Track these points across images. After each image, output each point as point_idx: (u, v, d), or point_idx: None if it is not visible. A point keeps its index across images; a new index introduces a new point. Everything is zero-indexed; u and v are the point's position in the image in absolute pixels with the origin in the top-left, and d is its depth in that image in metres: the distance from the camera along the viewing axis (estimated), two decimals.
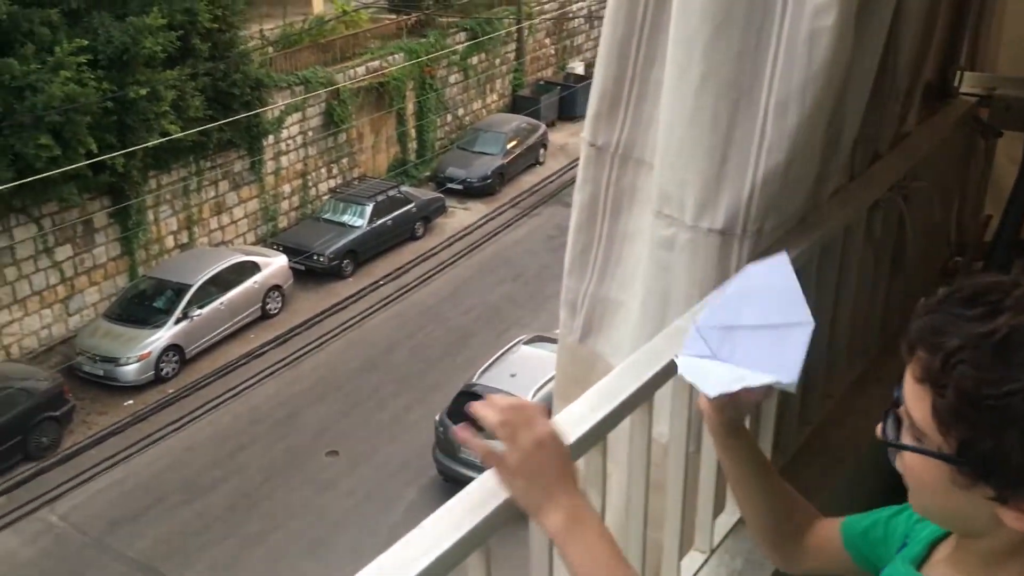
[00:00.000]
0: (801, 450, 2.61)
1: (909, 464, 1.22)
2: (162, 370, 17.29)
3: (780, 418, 2.44)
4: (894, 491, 1.40)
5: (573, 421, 1.63)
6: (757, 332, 1.51)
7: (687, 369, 1.60)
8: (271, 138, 21.31)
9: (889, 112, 2.72)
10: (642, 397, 1.78)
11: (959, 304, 1.15)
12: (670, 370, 1.84)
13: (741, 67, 2.07)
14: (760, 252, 2.19)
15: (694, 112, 2.14)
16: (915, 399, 1.18)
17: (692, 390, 1.99)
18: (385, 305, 20.01)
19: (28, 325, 17.47)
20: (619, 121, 2.51)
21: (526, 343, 16.21)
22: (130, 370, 16.93)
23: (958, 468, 1.13)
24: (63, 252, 17.74)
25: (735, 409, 1.64)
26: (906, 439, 1.21)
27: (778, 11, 2.04)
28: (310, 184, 22.70)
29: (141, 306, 17.94)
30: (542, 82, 29.90)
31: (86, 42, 16.06)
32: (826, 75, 2.04)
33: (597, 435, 1.67)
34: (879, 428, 1.26)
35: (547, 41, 30.70)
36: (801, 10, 2.01)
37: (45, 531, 14.23)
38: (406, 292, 20.51)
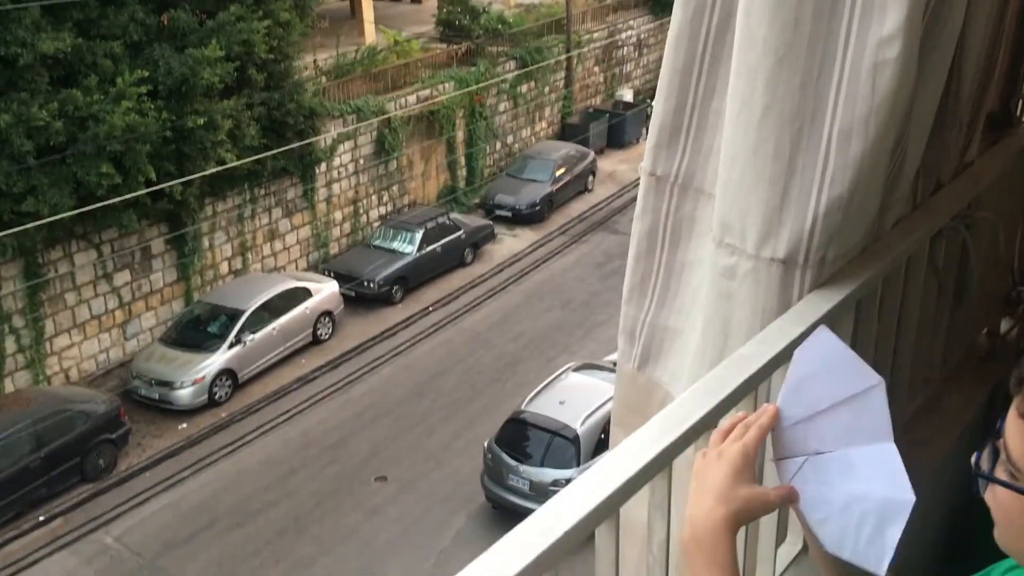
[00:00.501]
0: None
1: (1000, 499, 1.18)
2: (215, 394, 17.55)
3: None
4: (959, 525, 1.39)
5: (640, 447, 1.66)
6: (834, 412, 1.48)
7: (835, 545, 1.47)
8: (323, 166, 21.65)
9: (951, 142, 2.71)
10: (708, 424, 1.79)
11: None
12: (735, 398, 1.86)
13: (804, 98, 2.09)
14: (822, 282, 2.20)
15: (757, 143, 2.16)
16: (1017, 434, 1.14)
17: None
18: (434, 331, 20.12)
19: (87, 349, 17.88)
20: (679, 151, 2.54)
21: (575, 370, 16.16)
22: (184, 394, 17.21)
23: None
24: (121, 278, 18.16)
25: None
26: (1000, 473, 1.18)
27: (841, 43, 2.06)
28: (361, 211, 22.99)
29: (196, 331, 18.26)
30: (591, 109, 30.02)
31: (147, 73, 16.50)
32: (889, 106, 2.05)
33: (664, 461, 1.68)
34: (974, 457, 1.23)
35: (596, 69, 30.84)
36: (864, 42, 2.03)
37: (101, 552, 14.46)
38: (455, 318, 20.61)
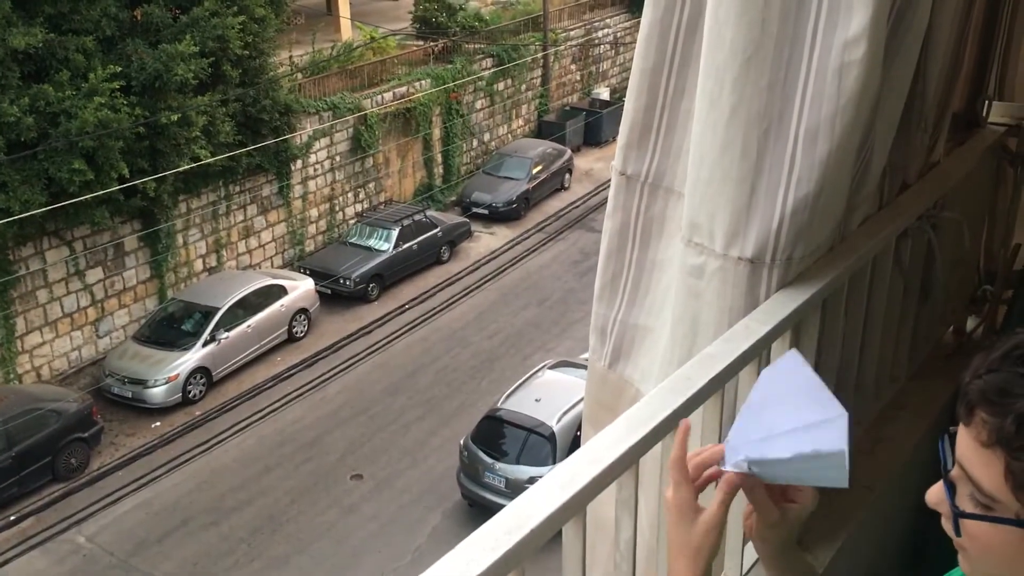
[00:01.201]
0: None
1: (974, 533, 1.14)
2: (189, 392, 17.44)
3: None
4: (925, 521, 1.40)
5: (607, 445, 1.67)
6: (793, 436, 1.41)
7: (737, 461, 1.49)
8: (299, 163, 21.56)
9: (917, 142, 2.74)
10: (673, 422, 1.80)
11: (1022, 362, 1.08)
12: (701, 396, 1.87)
13: (771, 98, 2.11)
14: (789, 281, 2.22)
15: (724, 143, 2.17)
16: (981, 464, 1.10)
17: (723, 418, 2.02)
18: (410, 329, 20.10)
19: (59, 347, 17.70)
20: (649, 150, 2.55)
21: (551, 368, 16.19)
22: (158, 392, 17.09)
23: None
24: (94, 275, 17.99)
25: (787, 525, 1.52)
26: (966, 506, 1.14)
27: (807, 44, 2.08)
28: (337, 208, 22.91)
29: (170, 329, 18.14)
30: (568, 107, 30.07)
31: (120, 69, 16.36)
32: (855, 106, 2.08)
33: (630, 459, 1.69)
34: (931, 497, 1.19)
35: (573, 67, 30.89)
36: (830, 43, 2.05)
37: (73, 552, 14.34)
38: (431, 316, 20.60)
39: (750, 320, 2.10)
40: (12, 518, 14.72)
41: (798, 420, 1.42)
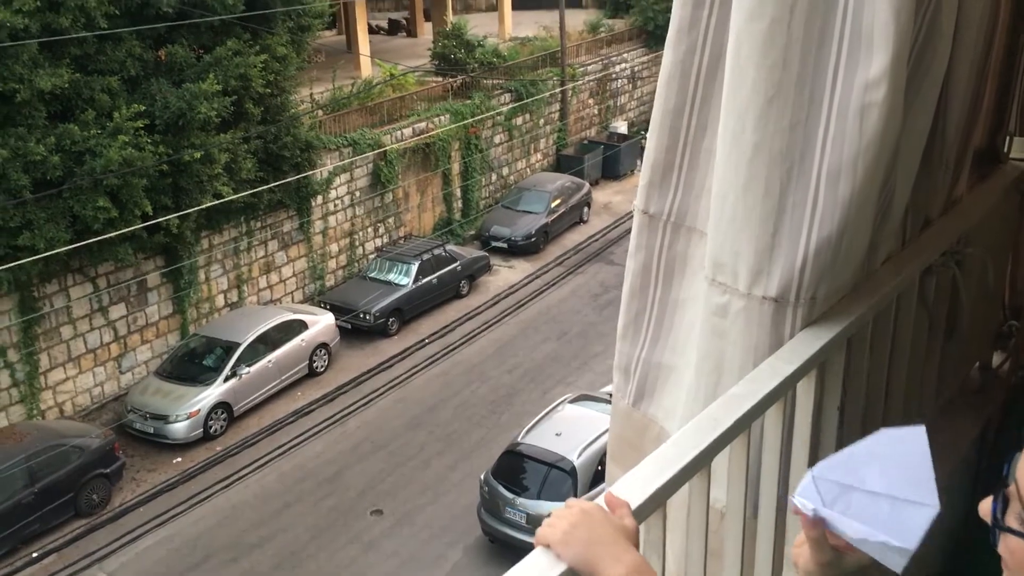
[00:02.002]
0: None
1: (1014, 548, 1.16)
2: (211, 428, 17.48)
3: None
4: (953, 561, 1.39)
5: (635, 487, 1.67)
6: (877, 499, 1.40)
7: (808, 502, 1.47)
8: (320, 198, 21.73)
9: (939, 179, 2.75)
10: (701, 463, 1.80)
11: None
12: (728, 437, 1.87)
13: (793, 139, 2.12)
14: (814, 319, 2.22)
15: (747, 182, 2.19)
16: None
17: (750, 458, 2.02)
18: (430, 363, 20.10)
19: (81, 383, 17.82)
20: (671, 189, 2.57)
21: (571, 402, 16.13)
22: (179, 428, 17.14)
23: None
24: (117, 311, 18.15)
25: (837, 570, 1.48)
26: (1011, 521, 1.15)
27: (828, 85, 2.10)
28: (357, 243, 23.04)
29: (191, 364, 18.23)
30: (586, 141, 30.21)
31: (144, 108, 16.60)
32: (877, 146, 2.09)
33: (658, 501, 1.69)
34: (983, 507, 1.20)
35: (590, 101, 31.08)
36: (851, 84, 2.07)
37: None
38: (451, 350, 20.59)
39: (775, 359, 2.11)
40: (35, 555, 14.74)
41: (891, 488, 1.39)
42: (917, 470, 1.42)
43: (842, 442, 2.42)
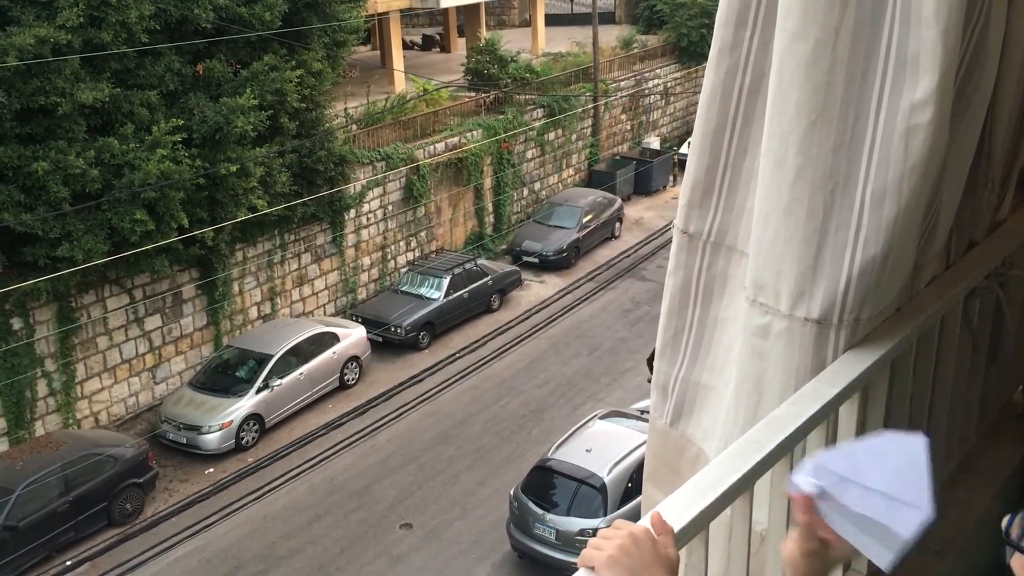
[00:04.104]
0: None
1: (1018, 566, 1.21)
2: (242, 439, 17.60)
3: None
4: None
5: (677, 510, 1.66)
6: (872, 496, 1.45)
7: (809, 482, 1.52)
8: (352, 212, 21.89)
9: (984, 200, 2.72)
10: (744, 486, 1.79)
11: None
12: (770, 460, 1.86)
13: (837, 161, 2.11)
14: (857, 342, 2.20)
15: (790, 203, 2.18)
16: None
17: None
18: (461, 378, 20.11)
19: (116, 393, 18.02)
20: (711, 209, 2.56)
21: (601, 418, 16.07)
22: (212, 439, 17.27)
23: None
24: (152, 322, 18.36)
25: (820, 561, 1.54)
26: None
27: (873, 107, 2.08)
28: (389, 257, 23.16)
29: (224, 375, 18.38)
30: (618, 157, 30.19)
31: (181, 122, 16.82)
32: (923, 168, 2.07)
33: (700, 524, 1.69)
34: (1005, 522, 1.23)
35: (623, 116, 31.07)
36: (896, 106, 2.05)
37: None
38: (481, 365, 20.60)
39: (818, 382, 2.09)
40: (68, 563, 14.90)
41: (888, 487, 1.44)
42: (915, 473, 1.47)
43: None
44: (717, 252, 2.59)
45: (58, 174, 15.36)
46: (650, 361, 3.09)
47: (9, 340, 16.02)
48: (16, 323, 16.17)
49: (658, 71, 32.36)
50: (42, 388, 16.79)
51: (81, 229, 15.76)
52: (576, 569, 1.48)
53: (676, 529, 1.60)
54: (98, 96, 15.71)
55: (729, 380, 2.55)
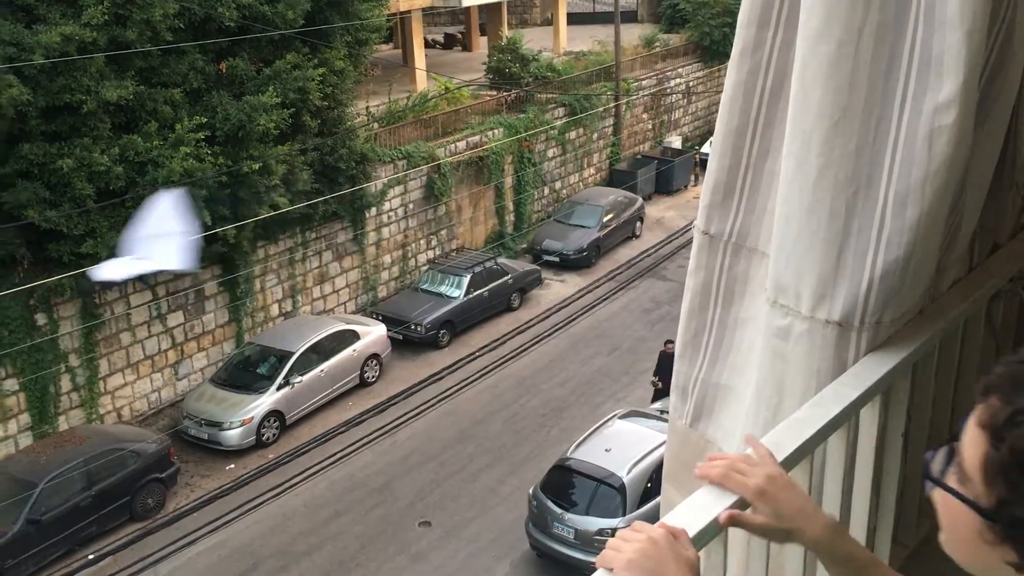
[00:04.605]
0: (922, 543, 2.55)
1: (944, 502, 1.19)
2: (263, 435, 17.70)
3: (899, 510, 2.41)
4: None
5: (695, 511, 1.66)
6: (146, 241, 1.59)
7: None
8: (373, 210, 21.95)
9: (1008, 202, 2.69)
10: None
11: None
12: (790, 462, 1.85)
13: (859, 162, 2.10)
14: (878, 344, 2.19)
15: (812, 204, 2.17)
16: (972, 442, 1.14)
17: (812, 484, 1.99)
18: (480, 376, 20.14)
19: (139, 388, 18.18)
20: (732, 210, 2.55)
21: (621, 417, 16.03)
22: (233, 435, 17.38)
23: (989, 524, 1.11)
24: (175, 319, 18.50)
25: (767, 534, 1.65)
26: (950, 478, 1.18)
27: (896, 108, 2.07)
28: (409, 255, 23.22)
29: (246, 372, 18.49)
30: (639, 156, 30.12)
31: (205, 119, 16.93)
32: (946, 170, 2.06)
33: (719, 527, 1.68)
34: (928, 455, 1.23)
35: (644, 116, 31.00)
36: (920, 108, 2.04)
37: None
38: (501, 363, 20.62)
39: (839, 384, 2.08)
40: (91, 557, 15.04)
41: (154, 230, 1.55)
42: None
43: (906, 470, 2.38)
44: (738, 253, 2.58)
45: (83, 171, 15.50)
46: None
47: (34, 335, 16.19)
48: (41, 319, 16.34)
49: (680, 70, 32.25)
50: (66, 383, 16.96)
51: (105, 226, 15.90)
52: (595, 569, 1.48)
53: (696, 531, 1.60)
54: (123, 94, 15.84)
55: (749, 381, 2.54)
